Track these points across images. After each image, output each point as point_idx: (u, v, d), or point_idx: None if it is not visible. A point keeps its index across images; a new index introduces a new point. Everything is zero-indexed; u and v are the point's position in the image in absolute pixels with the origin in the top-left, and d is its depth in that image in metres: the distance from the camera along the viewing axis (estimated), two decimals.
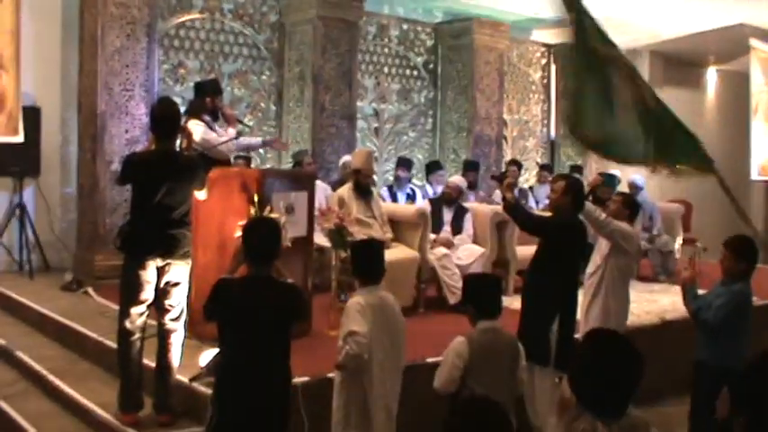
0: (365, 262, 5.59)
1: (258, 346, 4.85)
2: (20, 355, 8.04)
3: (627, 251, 7.26)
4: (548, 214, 7.80)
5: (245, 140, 9.50)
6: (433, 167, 12.91)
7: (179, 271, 6.13)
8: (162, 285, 6.09)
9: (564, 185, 6.99)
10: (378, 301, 5.40)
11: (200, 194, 6.50)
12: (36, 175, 11.41)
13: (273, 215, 6.83)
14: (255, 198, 6.92)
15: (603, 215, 7.15)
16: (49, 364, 7.67)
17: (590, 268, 7.51)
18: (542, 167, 14.93)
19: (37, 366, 7.63)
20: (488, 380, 5.19)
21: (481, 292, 5.56)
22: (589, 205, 7.10)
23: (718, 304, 6.24)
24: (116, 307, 7.14)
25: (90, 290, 9.84)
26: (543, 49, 16.84)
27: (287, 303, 4.99)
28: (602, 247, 7.44)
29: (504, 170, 13.88)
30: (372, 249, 5.70)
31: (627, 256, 7.31)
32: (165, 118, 6.30)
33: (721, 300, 6.27)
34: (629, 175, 14.29)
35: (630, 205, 7.74)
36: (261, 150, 12.59)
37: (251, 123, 12.31)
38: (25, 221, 11.11)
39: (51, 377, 7.31)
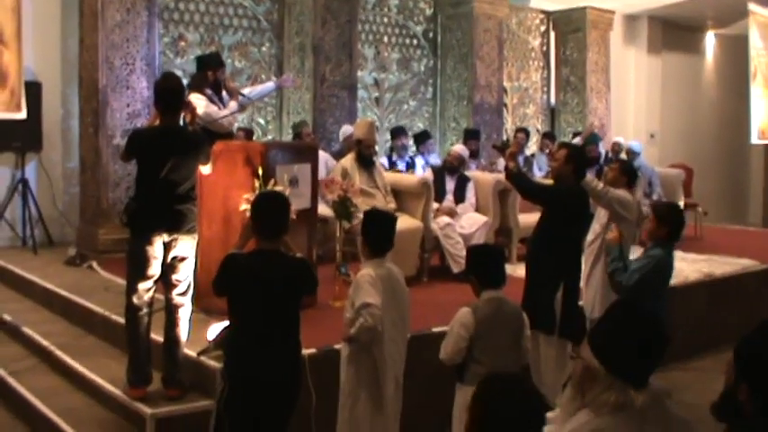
0: (378, 233, 5.57)
1: (268, 320, 4.89)
2: (26, 330, 8.07)
3: (626, 218, 7.26)
4: (549, 182, 7.81)
5: (259, 88, 10.00)
6: (422, 137, 12.89)
7: (186, 246, 6.14)
8: (169, 260, 6.11)
9: (566, 154, 6.98)
10: (386, 273, 5.42)
11: (205, 169, 6.49)
12: (38, 150, 11.41)
13: (278, 188, 6.85)
14: (260, 171, 6.93)
15: (601, 185, 7.16)
16: (56, 339, 7.69)
17: (590, 236, 7.54)
18: (544, 135, 14.91)
19: (44, 342, 7.65)
20: (494, 350, 5.24)
21: (484, 262, 5.58)
22: (588, 176, 7.11)
23: (634, 267, 6.28)
24: (121, 281, 7.20)
25: (94, 264, 9.86)
26: (542, 15, 16.77)
27: (296, 277, 5.01)
28: (600, 215, 7.47)
29: (506, 139, 13.85)
30: (387, 222, 5.68)
31: (626, 223, 7.29)
32: (168, 93, 6.30)
33: (638, 263, 6.31)
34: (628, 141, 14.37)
35: (628, 172, 7.75)
36: (261, 121, 12.63)
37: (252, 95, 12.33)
38: (28, 197, 11.11)
39: (59, 353, 7.33)
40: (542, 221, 7.03)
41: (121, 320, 6.50)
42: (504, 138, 14.27)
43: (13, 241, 11.35)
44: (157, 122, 6.32)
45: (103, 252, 10.11)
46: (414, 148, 13.00)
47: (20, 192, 11.14)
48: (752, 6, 17.83)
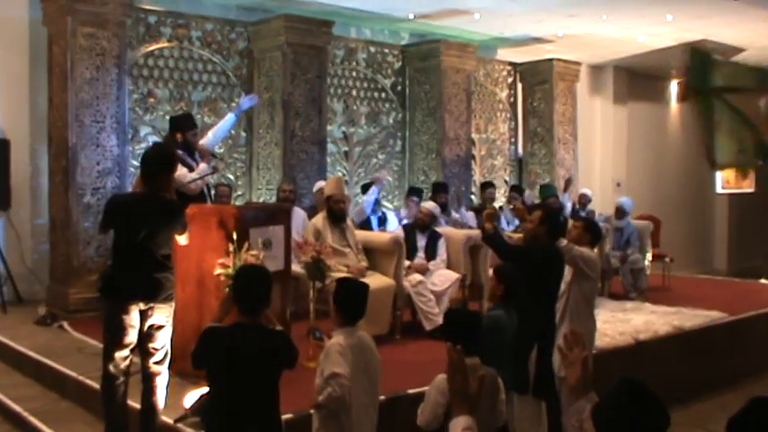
0: (351, 303, 5.59)
1: (247, 393, 4.88)
2: None
3: (589, 276, 7.26)
4: (519, 235, 7.82)
5: (221, 125, 10.08)
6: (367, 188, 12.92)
7: (162, 314, 6.13)
8: (145, 329, 6.10)
9: (540, 215, 7.06)
10: (357, 342, 5.44)
11: (182, 239, 6.48)
12: (6, 208, 11.32)
13: (251, 252, 6.87)
14: (234, 235, 6.94)
15: (565, 241, 7.17)
16: (30, 404, 7.63)
17: None
18: (512, 188, 14.97)
19: (17, 407, 7.58)
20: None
21: (462, 329, 5.58)
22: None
23: None
24: (93, 342, 7.17)
25: (65, 324, 9.79)
26: (509, 67, 16.91)
27: (276, 351, 5.03)
28: (565, 273, 7.47)
29: (482, 201, 13.80)
30: (359, 291, 5.70)
31: (589, 281, 7.26)
32: (154, 163, 6.33)
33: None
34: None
35: (592, 230, 7.79)
36: (231, 177, 12.62)
37: (221, 150, 12.33)
38: None
39: (32, 419, 7.26)
40: None
41: (96, 385, 6.51)
42: (477, 196, 14.17)
43: None
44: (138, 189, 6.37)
45: (74, 311, 10.05)
46: (388, 204, 13.09)
47: None
48: (717, 57, 18.09)
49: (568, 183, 14.98)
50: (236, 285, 5.17)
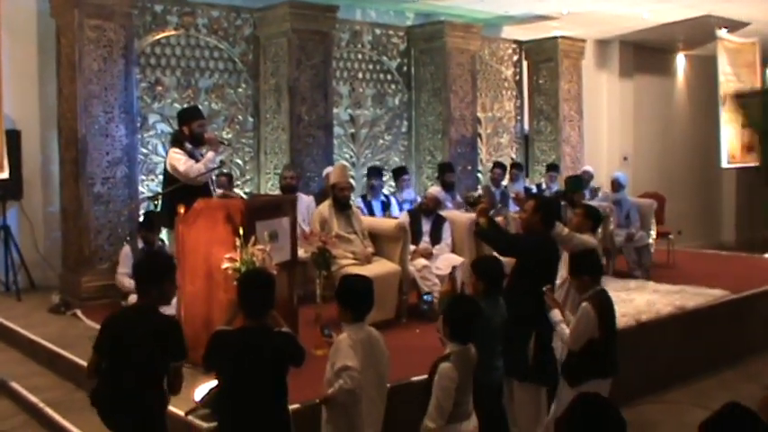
0: (356, 299, 5.71)
1: (256, 393, 5.06)
2: (14, 385, 8.17)
3: None
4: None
5: (206, 164, 9.02)
6: (397, 173, 13.37)
7: None
8: None
9: (534, 204, 7.18)
10: (365, 336, 5.60)
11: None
12: (19, 198, 11.53)
13: (258, 246, 7.01)
14: (240, 230, 7.07)
15: (566, 230, 7.30)
16: (45, 394, 7.79)
17: (557, 281, 7.65)
18: (512, 166, 15.07)
19: (33, 398, 7.75)
20: (467, 391, 5.48)
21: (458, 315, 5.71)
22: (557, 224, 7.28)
23: None
24: None
25: (78, 312, 9.97)
26: (514, 45, 16.97)
27: (282, 352, 5.19)
28: (566, 259, 7.58)
29: (477, 194, 13.74)
30: (363, 288, 5.80)
31: None
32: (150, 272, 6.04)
33: None
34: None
35: (593, 216, 7.93)
36: (239, 162, 12.76)
37: (229, 136, 12.47)
38: (9, 243, 11.24)
39: (48, 410, 7.42)
40: (514, 270, 7.16)
41: None
42: (477, 192, 14.13)
43: None
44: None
45: (87, 299, 10.25)
46: (387, 187, 13.27)
47: (2, 239, 11.27)
48: (719, 33, 18.14)
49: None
50: (240, 291, 5.30)
